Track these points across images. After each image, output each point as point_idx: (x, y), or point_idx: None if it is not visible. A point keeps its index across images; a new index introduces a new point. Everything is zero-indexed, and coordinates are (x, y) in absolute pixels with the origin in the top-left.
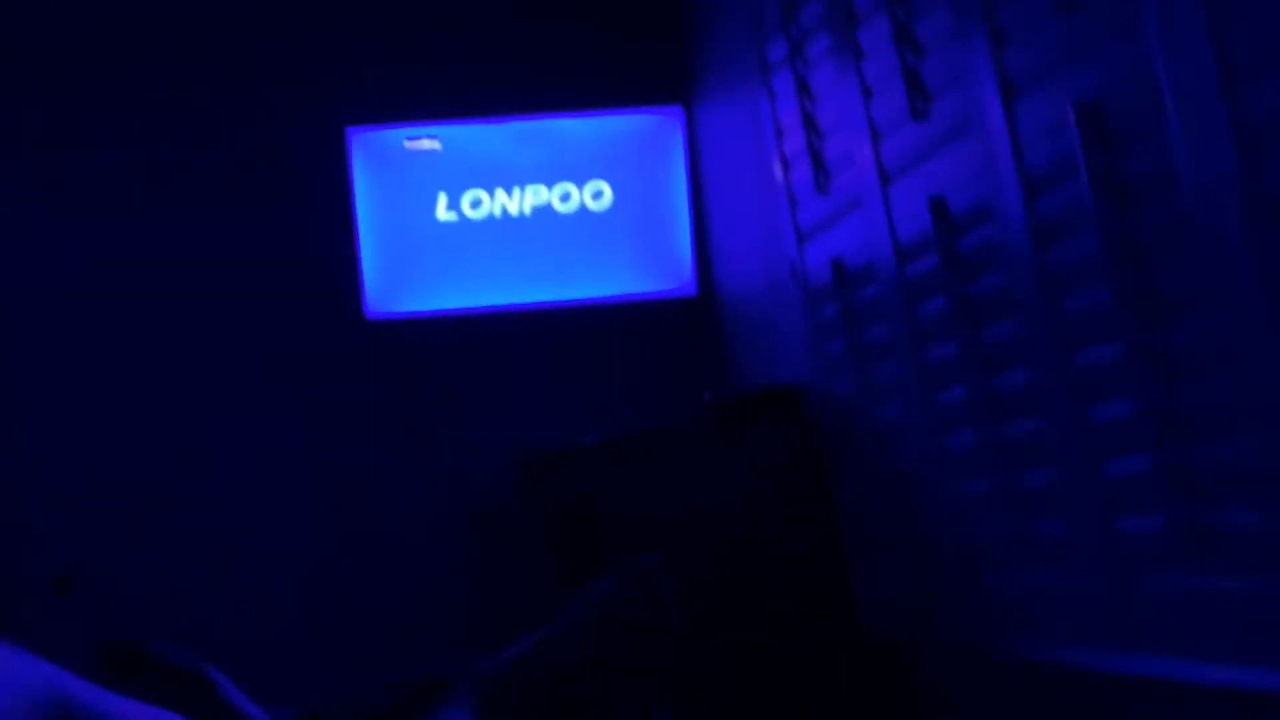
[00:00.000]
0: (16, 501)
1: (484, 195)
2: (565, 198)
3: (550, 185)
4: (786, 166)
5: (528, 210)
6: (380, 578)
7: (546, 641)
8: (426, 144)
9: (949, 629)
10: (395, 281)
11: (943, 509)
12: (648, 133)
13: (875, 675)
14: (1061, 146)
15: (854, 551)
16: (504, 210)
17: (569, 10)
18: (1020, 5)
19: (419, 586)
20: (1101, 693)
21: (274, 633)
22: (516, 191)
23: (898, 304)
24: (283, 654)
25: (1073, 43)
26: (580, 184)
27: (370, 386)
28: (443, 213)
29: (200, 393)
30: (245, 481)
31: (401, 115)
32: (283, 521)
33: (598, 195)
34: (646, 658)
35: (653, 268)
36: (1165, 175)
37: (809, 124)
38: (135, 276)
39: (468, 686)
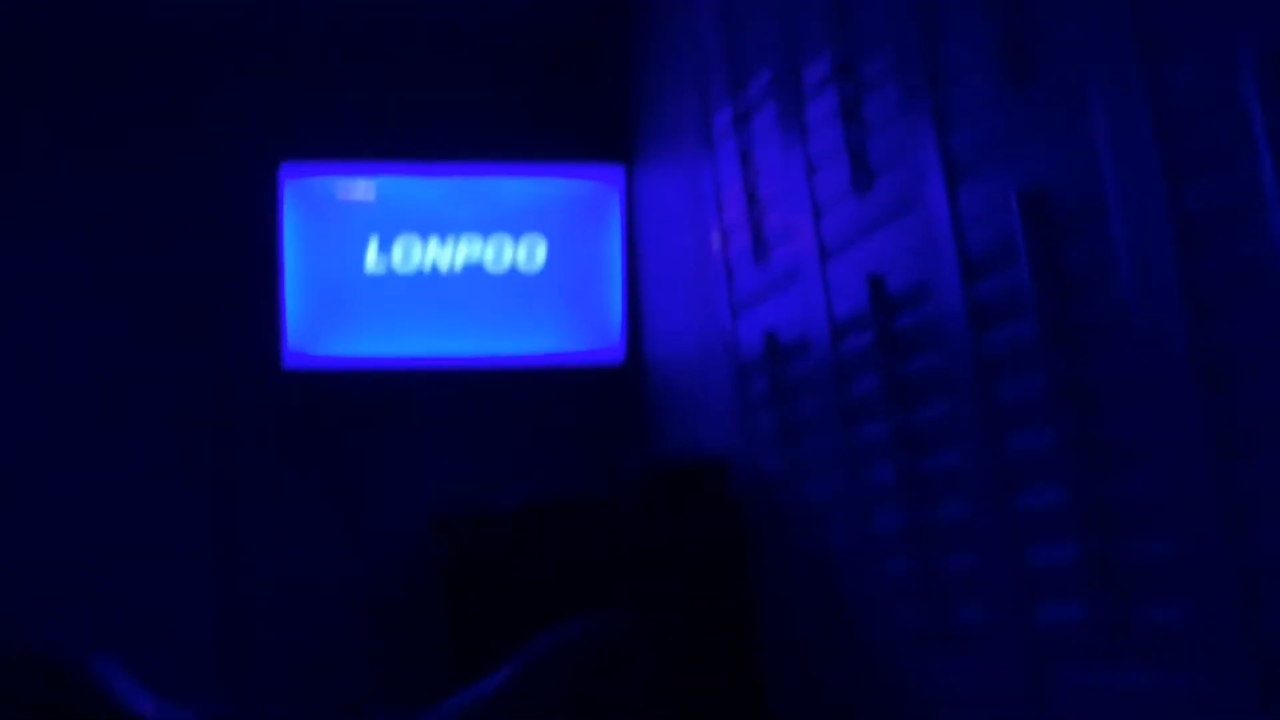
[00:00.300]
0: None
1: (416, 244)
2: (498, 252)
3: (485, 237)
4: (725, 236)
5: (458, 265)
6: (280, 631)
7: (511, 683)
8: (360, 193)
9: (863, 717)
10: (317, 328)
11: (864, 592)
12: (586, 192)
13: None
14: (1003, 231)
15: (770, 633)
16: (434, 263)
17: (514, 64)
18: (967, 88)
19: (317, 643)
20: None
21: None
22: (450, 243)
23: (829, 380)
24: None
25: (1018, 129)
26: (515, 238)
27: (283, 435)
28: (372, 261)
29: (104, 432)
30: (146, 526)
31: (337, 155)
32: (182, 572)
33: (531, 252)
34: (611, 708)
35: (582, 330)
36: (1105, 264)
37: (750, 195)
38: (47, 304)
39: None
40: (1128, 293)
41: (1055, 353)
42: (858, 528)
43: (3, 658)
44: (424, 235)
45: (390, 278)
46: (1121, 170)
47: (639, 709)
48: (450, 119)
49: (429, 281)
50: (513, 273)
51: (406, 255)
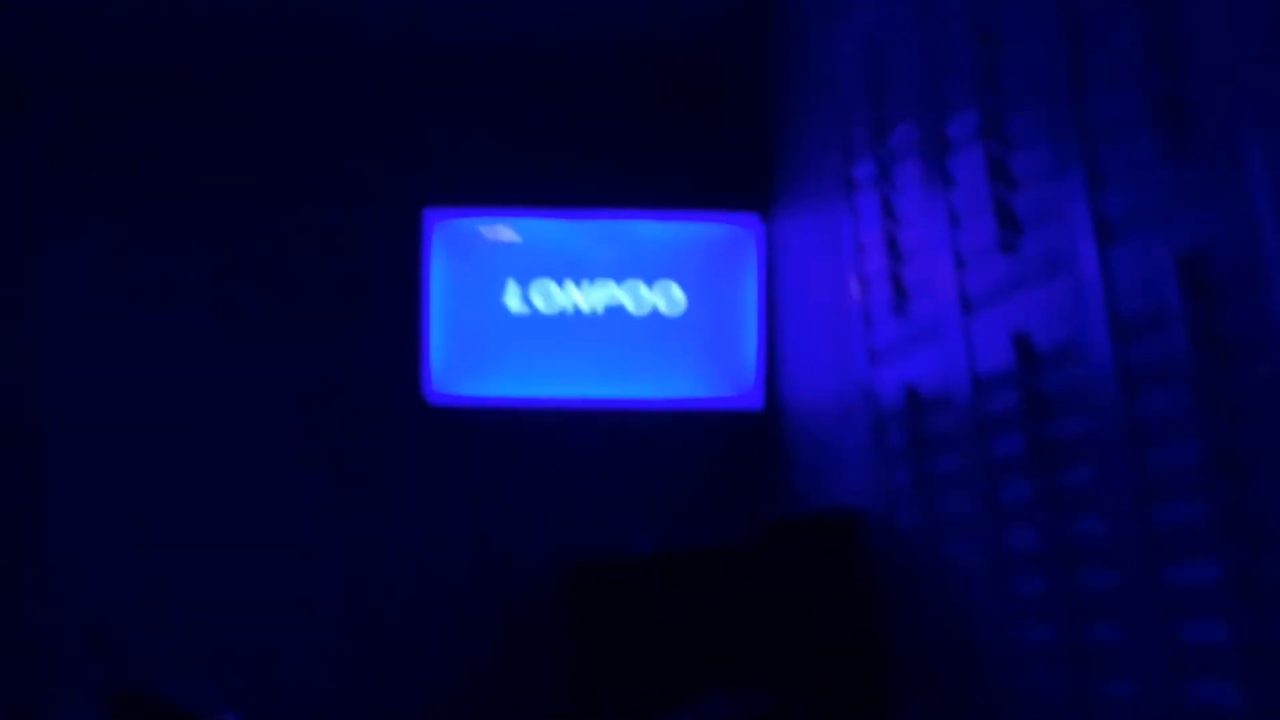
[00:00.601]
0: (57, 558)
1: (554, 288)
2: (637, 298)
3: (621, 282)
4: (864, 286)
5: (599, 307)
6: (407, 663)
7: None
8: (504, 234)
9: None
10: (459, 367)
11: (1000, 658)
12: (724, 239)
13: None
14: (1157, 294)
15: (900, 692)
16: (575, 305)
17: (656, 113)
18: (1122, 149)
19: (444, 677)
20: None
21: (301, 702)
22: (588, 286)
23: (971, 438)
24: None
25: (1175, 190)
26: (652, 284)
27: (423, 469)
28: (513, 302)
29: (252, 458)
30: (284, 551)
31: (480, 201)
32: (316, 595)
33: (669, 297)
34: None
35: (719, 376)
36: (1264, 332)
37: (891, 246)
38: (193, 338)
39: None
40: None
41: (1210, 421)
42: (997, 590)
43: (136, 702)
44: (561, 279)
45: (533, 316)
46: None
47: None
48: (591, 166)
49: (570, 321)
50: (654, 316)
51: (547, 297)
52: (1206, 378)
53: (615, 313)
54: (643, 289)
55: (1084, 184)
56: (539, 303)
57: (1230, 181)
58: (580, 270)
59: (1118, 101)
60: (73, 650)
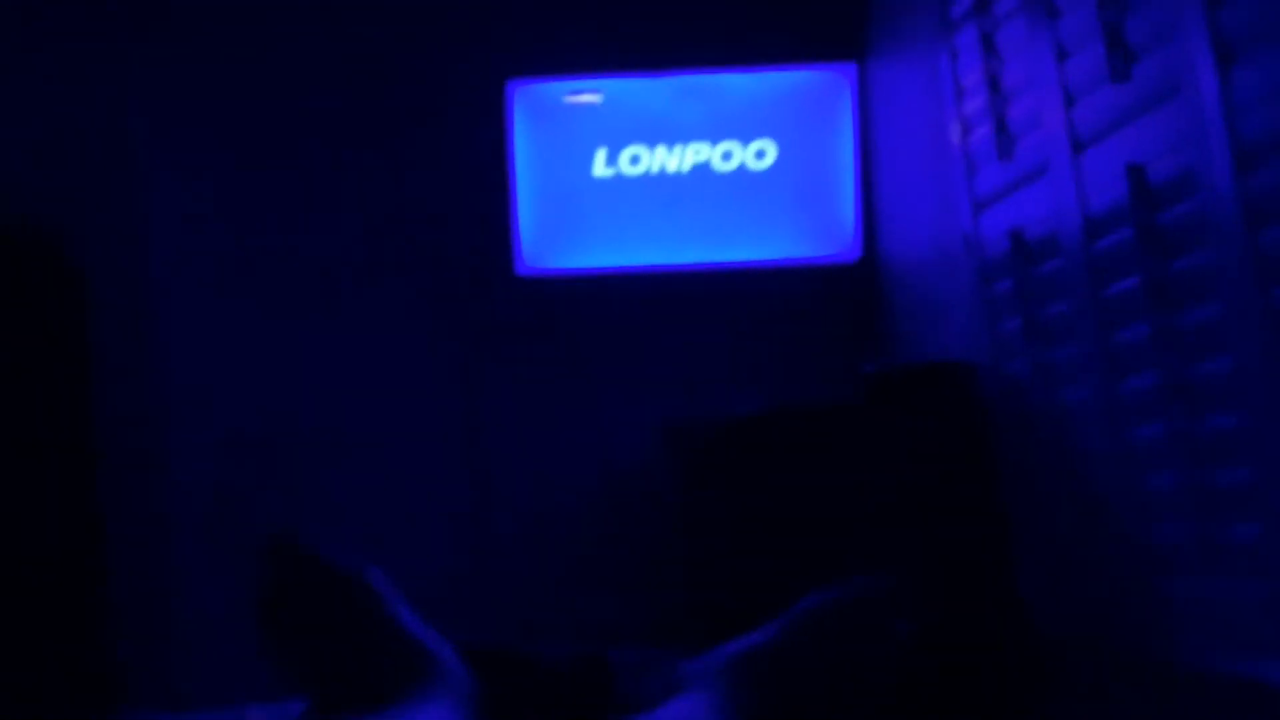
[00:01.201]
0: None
1: (644, 151)
2: (727, 156)
3: (713, 143)
4: (965, 130)
5: (686, 168)
6: (523, 538)
7: (783, 640)
8: (587, 98)
9: (1123, 632)
10: (549, 238)
11: (1123, 505)
12: (816, 90)
13: (1042, 674)
14: None
15: (1023, 545)
16: (662, 167)
17: None
18: None
19: (558, 550)
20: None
21: (420, 583)
22: (678, 148)
23: (1083, 281)
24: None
25: None
26: (744, 142)
27: (519, 343)
28: (600, 169)
29: (353, 340)
30: (399, 427)
31: (562, 68)
32: (433, 473)
33: (760, 154)
34: (874, 675)
35: (815, 231)
36: None
37: (993, 85)
38: (288, 221)
39: (703, 668)
40: None
41: None
42: (1116, 436)
43: (287, 558)
44: (652, 143)
45: (619, 180)
46: None
47: (906, 665)
48: (673, 23)
49: (658, 184)
50: (741, 171)
51: (634, 161)
52: None
53: (702, 171)
54: (737, 149)
55: (1200, 1)
56: (627, 168)
57: None
58: (670, 133)
59: None
60: (201, 510)
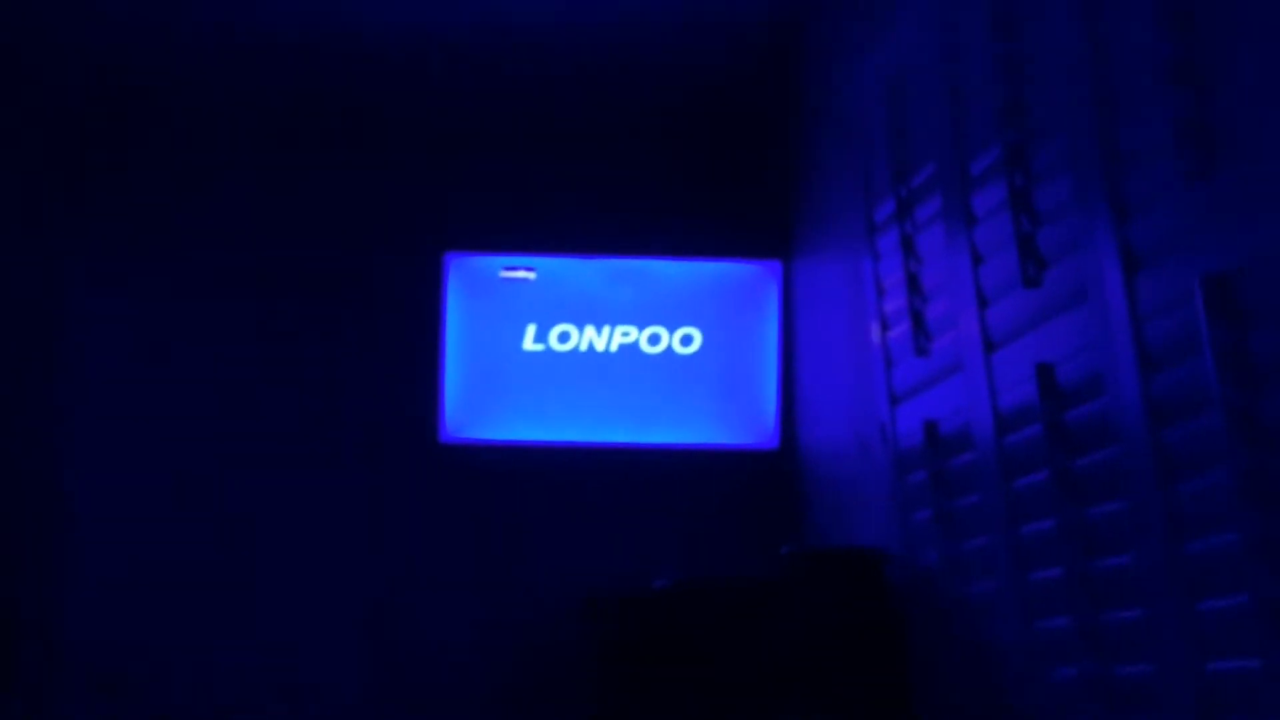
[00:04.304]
0: (66, 603)
1: (573, 330)
2: (654, 340)
3: (641, 326)
4: (885, 326)
5: (614, 348)
6: (428, 700)
7: None
8: (522, 274)
9: None
10: (476, 407)
11: (1026, 695)
12: (743, 282)
13: None
14: (1184, 321)
15: None
16: (590, 346)
17: (672, 157)
18: (1147, 177)
19: (466, 711)
20: None
21: None
22: (606, 329)
23: (994, 474)
24: None
25: (1202, 217)
26: (671, 328)
27: (437, 511)
28: (529, 343)
29: (263, 498)
30: (299, 587)
31: (499, 244)
32: (331, 634)
33: (687, 340)
34: None
35: (736, 418)
36: None
37: (913, 285)
38: (207, 373)
39: None
40: None
41: (1242, 449)
42: (1022, 627)
43: None
44: (581, 322)
45: (548, 355)
46: None
47: None
48: (608, 209)
49: (585, 361)
50: (668, 355)
51: (564, 339)
52: (1236, 404)
53: (630, 352)
54: (663, 333)
55: (1109, 214)
56: (556, 345)
57: (1259, 204)
58: (600, 314)
59: (1143, 130)
60: (80, 693)
